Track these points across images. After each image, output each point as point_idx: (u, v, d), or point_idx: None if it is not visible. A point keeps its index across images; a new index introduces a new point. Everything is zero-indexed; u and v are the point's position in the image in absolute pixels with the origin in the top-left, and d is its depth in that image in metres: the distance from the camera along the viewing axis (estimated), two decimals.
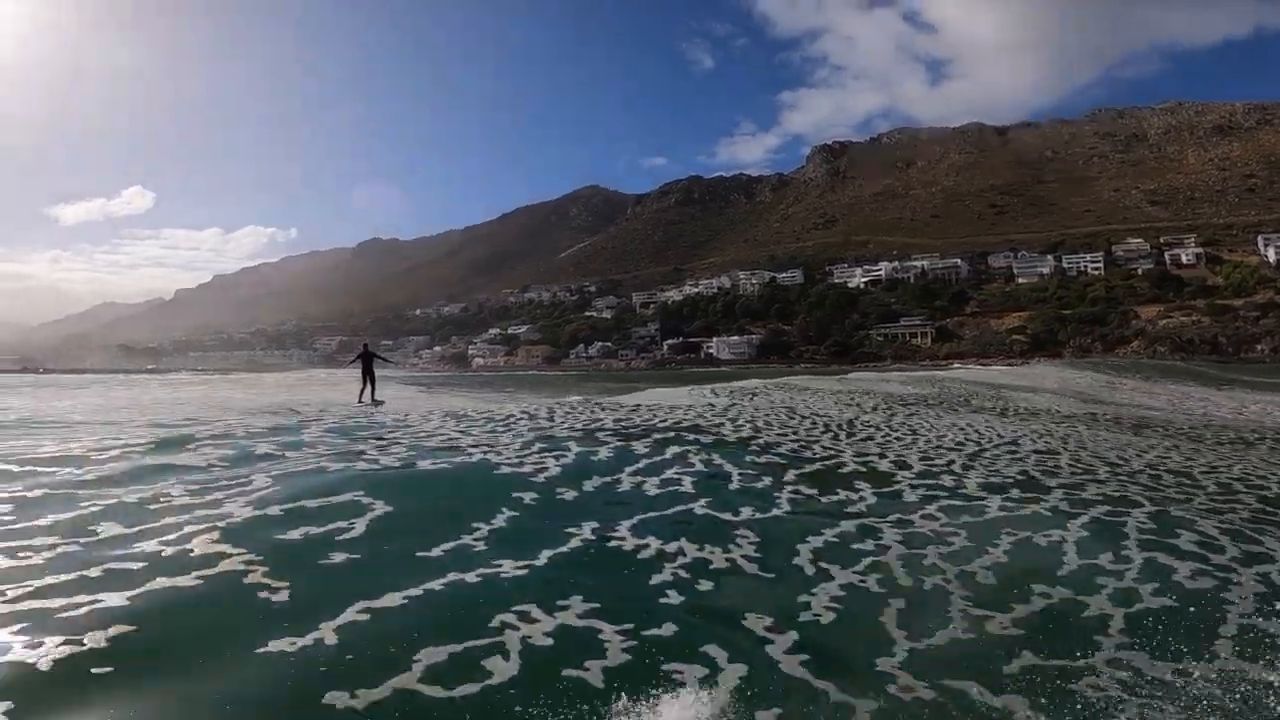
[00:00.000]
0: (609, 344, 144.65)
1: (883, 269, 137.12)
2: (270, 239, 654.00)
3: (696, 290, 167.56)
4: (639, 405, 13.44)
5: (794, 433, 10.92)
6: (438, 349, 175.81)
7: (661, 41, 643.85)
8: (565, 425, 10.68)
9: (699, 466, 8.02)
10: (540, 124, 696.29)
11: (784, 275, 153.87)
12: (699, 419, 11.81)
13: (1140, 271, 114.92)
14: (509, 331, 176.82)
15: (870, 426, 11.99)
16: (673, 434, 10.07)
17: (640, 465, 7.90)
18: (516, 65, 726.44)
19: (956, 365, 68.95)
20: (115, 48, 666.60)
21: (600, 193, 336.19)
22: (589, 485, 7.03)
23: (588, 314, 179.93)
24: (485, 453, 8.31)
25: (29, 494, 5.91)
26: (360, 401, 17.35)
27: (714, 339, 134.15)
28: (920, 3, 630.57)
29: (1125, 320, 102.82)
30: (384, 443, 8.77)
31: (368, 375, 18.19)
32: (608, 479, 7.30)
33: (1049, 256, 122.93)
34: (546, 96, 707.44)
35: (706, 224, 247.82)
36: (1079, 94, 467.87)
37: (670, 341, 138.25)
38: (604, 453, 8.50)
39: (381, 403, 17.29)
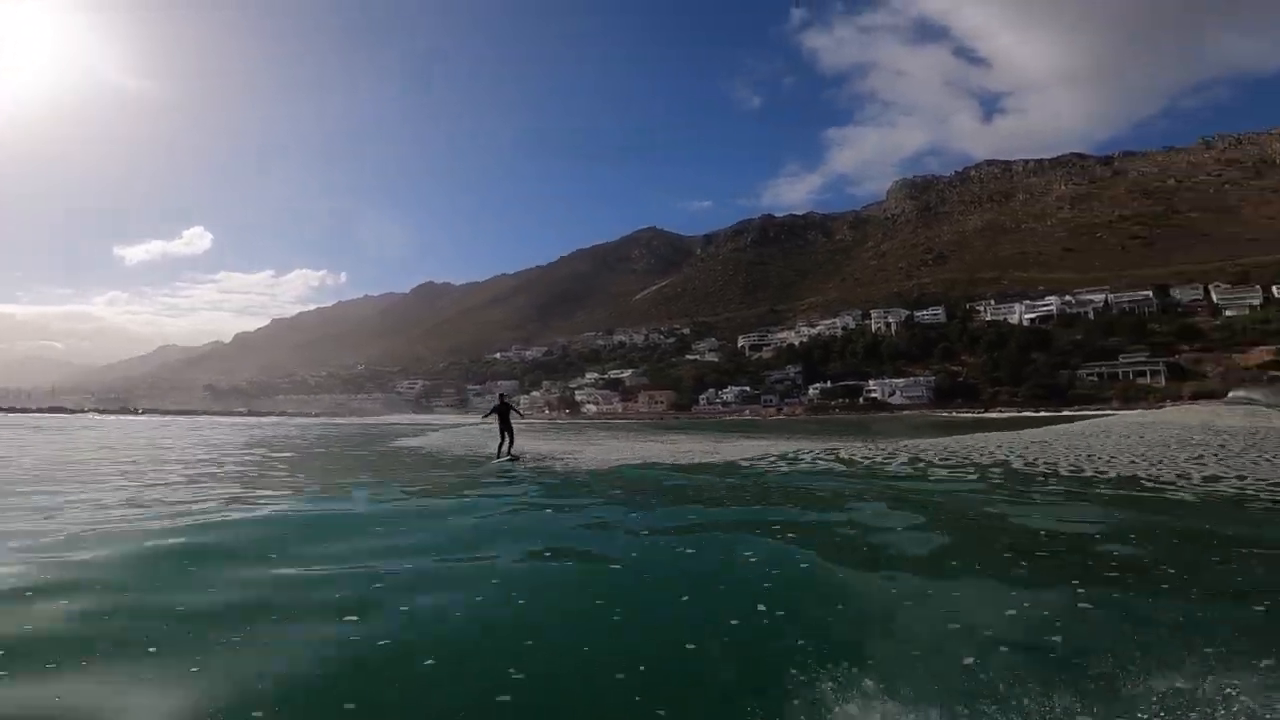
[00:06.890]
0: (746, 389, 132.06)
1: (1052, 304, 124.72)
2: (321, 282, 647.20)
3: (815, 331, 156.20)
4: None
5: None
6: (535, 394, 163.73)
7: (708, 81, 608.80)
8: None
9: None
10: (585, 170, 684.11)
11: (923, 314, 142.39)
12: None
13: None
14: (610, 375, 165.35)
15: None
16: None
17: None
18: (553, 105, 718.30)
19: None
20: (173, 79, 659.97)
21: (660, 235, 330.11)
22: None
23: (690, 358, 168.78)
24: None
25: None
26: (499, 456, 16.67)
27: (870, 381, 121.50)
28: (974, 36, 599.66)
29: None
30: None
31: (505, 429, 17.19)
32: None
33: (1256, 287, 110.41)
34: (593, 140, 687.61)
35: (790, 264, 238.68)
36: (1143, 126, 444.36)
37: (819, 385, 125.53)
38: None
39: (518, 458, 16.32)
